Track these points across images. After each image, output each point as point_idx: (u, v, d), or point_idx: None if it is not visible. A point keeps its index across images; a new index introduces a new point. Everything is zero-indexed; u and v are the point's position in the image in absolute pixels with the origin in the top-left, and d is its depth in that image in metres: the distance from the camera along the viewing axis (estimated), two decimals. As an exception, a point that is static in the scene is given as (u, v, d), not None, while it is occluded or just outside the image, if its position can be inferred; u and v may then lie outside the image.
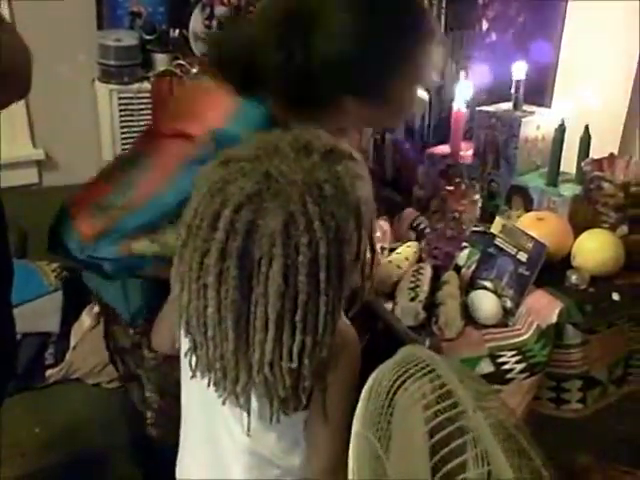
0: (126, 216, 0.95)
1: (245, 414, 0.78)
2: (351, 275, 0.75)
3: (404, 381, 0.72)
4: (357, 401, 0.83)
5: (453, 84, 1.44)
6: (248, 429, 0.78)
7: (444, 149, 1.37)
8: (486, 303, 1.04)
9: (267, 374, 0.72)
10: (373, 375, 0.76)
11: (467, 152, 1.34)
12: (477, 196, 1.23)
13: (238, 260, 0.68)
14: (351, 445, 0.73)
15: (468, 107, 1.31)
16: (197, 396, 0.88)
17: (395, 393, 0.71)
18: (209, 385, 0.77)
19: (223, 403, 0.78)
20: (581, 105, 1.32)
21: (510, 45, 1.48)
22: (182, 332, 0.77)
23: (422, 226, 1.25)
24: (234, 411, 0.82)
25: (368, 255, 0.80)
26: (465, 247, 1.16)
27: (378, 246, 1.18)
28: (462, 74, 1.45)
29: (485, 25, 1.46)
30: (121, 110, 2.10)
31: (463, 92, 1.30)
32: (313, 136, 0.76)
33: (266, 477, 0.87)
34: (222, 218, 0.68)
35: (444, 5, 1.42)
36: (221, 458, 0.89)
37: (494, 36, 1.48)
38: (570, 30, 1.51)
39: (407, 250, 1.18)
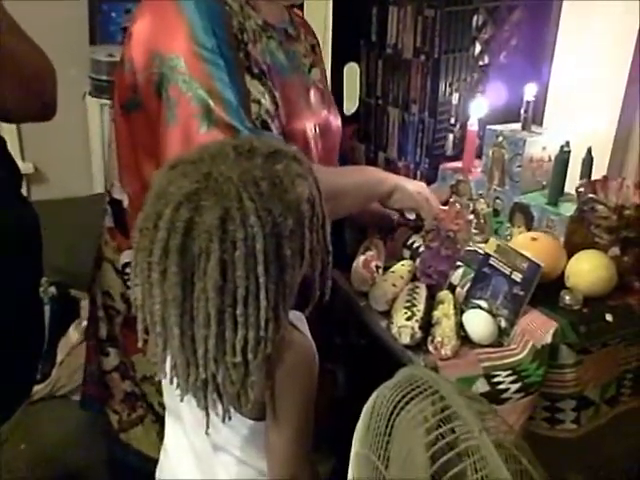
0: None
1: (211, 413, 0.79)
2: (295, 271, 0.76)
3: (407, 402, 0.72)
4: (314, 413, 0.85)
5: (447, 106, 1.47)
6: (207, 426, 0.79)
7: (456, 165, 1.40)
8: (481, 323, 1.04)
9: (213, 370, 0.73)
10: (374, 395, 0.76)
11: (476, 169, 1.37)
12: (471, 216, 1.25)
13: (178, 257, 0.70)
14: (351, 465, 0.73)
15: (471, 126, 1.34)
16: (173, 395, 0.88)
17: (398, 415, 0.71)
18: (170, 383, 0.78)
19: (181, 400, 0.79)
20: (572, 127, 1.34)
21: (503, 68, 1.51)
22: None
23: (416, 245, 1.26)
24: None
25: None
26: (459, 266, 1.16)
27: (373, 264, 1.20)
28: (455, 96, 1.47)
29: (478, 48, 1.48)
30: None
31: (476, 110, 1.33)
32: (259, 141, 0.79)
33: (244, 477, 0.89)
34: (163, 217, 0.71)
35: (437, 28, 1.44)
36: (201, 455, 0.91)
37: (487, 59, 1.50)
38: (561, 53, 1.54)
39: (402, 268, 1.19)
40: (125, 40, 1.09)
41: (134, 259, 0.76)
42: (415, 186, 1.23)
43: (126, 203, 1.16)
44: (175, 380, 0.78)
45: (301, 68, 1.21)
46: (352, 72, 1.67)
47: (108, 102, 2.08)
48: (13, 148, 2.21)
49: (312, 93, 1.22)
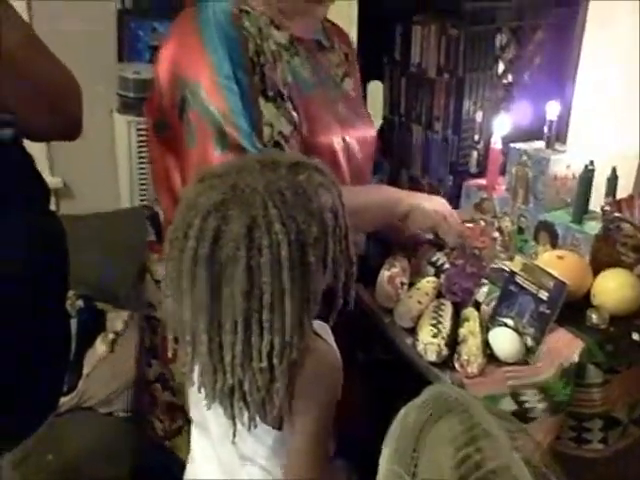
0: None
1: (238, 423, 0.80)
2: (318, 279, 0.78)
3: (435, 420, 0.73)
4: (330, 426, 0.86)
5: (470, 124, 1.48)
6: (234, 436, 0.80)
7: (480, 183, 1.40)
8: (507, 341, 1.04)
9: (240, 376, 0.75)
10: (402, 412, 0.77)
11: (501, 186, 1.37)
12: (496, 233, 1.25)
13: (207, 265, 0.73)
14: None
15: (495, 143, 1.34)
16: (200, 407, 0.89)
17: (427, 432, 0.72)
18: (199, 391, 0.80)
19: (208, 408, 0.80)
20: (596, 145, 1.35)
21: (527, 86, 1.52)
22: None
23: (440, 262, 1.26)
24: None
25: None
26: (485, 284, 1.17)
27: (398, 281, 1.20)
28: (479, 114, 1.49)
29: (502, 67, 1.49)
30: (138, 141, 2.14)
31: (500, 128, 1.33)
32: (282, 154, 0.84)
33: None
34: (192, 227, 0.74)
35: (461, 47, 1.45)
36: (227, 466, 0.92)
37: (510, 78, 1.51)
38: (584, 72, 1.55)
39: (426, 285, 1.19)
40: (154, 63, 1.15)
41: (165, 269, 0.79)
42: (433, 204, 1.23)
43: (162, 217, 1.20)
44: (203, 388, 0.79)
45: (331, 79, 1.23)
46: (375, 90, 1.70)
47: (135, 119, 2.12)
48: (43, 163, 2.26)
49: (342, 104, 1.23)
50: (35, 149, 1.06)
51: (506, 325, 1.07)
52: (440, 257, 1.27)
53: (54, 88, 1.02)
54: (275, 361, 0.75)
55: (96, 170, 2.19)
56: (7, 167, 0.99)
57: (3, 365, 0.98)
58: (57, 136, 1.11)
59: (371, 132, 1.30)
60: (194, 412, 0.97)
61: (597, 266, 1.12)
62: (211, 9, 1.09)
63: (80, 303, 1.88)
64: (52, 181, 2.19)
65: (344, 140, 1.20)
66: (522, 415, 0.95)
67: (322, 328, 0.88)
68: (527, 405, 0.97)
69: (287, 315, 0.74)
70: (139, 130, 2.12)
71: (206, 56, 1.04)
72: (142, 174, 2.15)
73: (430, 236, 1.29)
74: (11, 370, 0.99)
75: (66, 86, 1.05)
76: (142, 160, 2.15)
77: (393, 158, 1.67)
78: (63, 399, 1.77)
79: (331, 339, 0.89)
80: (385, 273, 1.22)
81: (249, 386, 0.76)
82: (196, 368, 0.80)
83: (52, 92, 1.01)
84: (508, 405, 0.96)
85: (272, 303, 0.73)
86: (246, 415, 0.79)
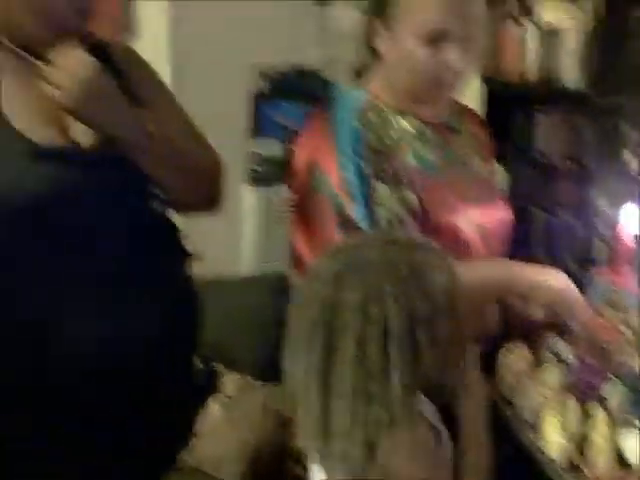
0: None
1: None
2: (427, 357, 0.78)
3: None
4: None
5: (597, 213, 1.46)
6: None
7: (608, 274, 1.36)
8: (638, 445, 0.99)
9: (343, 444, 0.77)
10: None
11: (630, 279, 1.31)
12: (625, 328, 1.21)
13: (323, 331, 0.78)
14: None
15: (624, 234, 1.30)
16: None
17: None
18: (304, 451, 0.85)
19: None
20: None
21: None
22: None
23: (564, 352, 1.23)
24: None
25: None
26: (612, 380, 1.12)
27: (518, 370, 1.19)
28: (605, 203, 1.46)
29: (629, 156, 1.47)
30: (265, 212, 2.31)
31: (628, 219, 1.29)
32: (400, 234, 0.91)
33: None
34: (312, 294, 0.80)
35: (587, 136, 1.46)
36: None
37: (638, 167, 1.48)
38: None
39: (550, 377, 1.16)
40: (288, 146, 1.34)
41: (288, 332, 0.84)
42: (557, 280, 1.19)
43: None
44: (308, 450, 0.83)
45: (459, 161, 1.26)
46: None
47: (262, 190, 2.31)
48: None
49: (472, 186, 1.25)
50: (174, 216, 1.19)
51: (636, 427, 1.02)
52: (563, 347, 1.24)
53: (203, 168, 1.14)
54: (379, 433, 0.76)
55: (223, 236, 2.35)
56: (157, 234, 1.13)
57: (128, 422, 1.06)
58: (200, 209, 1.24)
59: (504, 214, 1.30)
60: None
61: None
62: (342, 110, 1.21)
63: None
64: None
65: (473, 222, 1.21)
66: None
67: (432, 412, 0.88)
68: (663, 518, 0.91)
69: (393, 389, 0.76)
70: (266, 201, 2.30)
71: (335, 154, 1.17)
72: (266, 244, 2.29)
73: (550, 317, 1.25)
74: (134, 427, 1.07)
75: (213, 165, 1.17)
76: (268, 230, 2.30)
77: (514, 243, 1.66)
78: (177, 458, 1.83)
79: (437, 423, 0.89)
80: (504, 360, 1.21)
81: (350, 455, 0.78)
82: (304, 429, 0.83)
83: (201, 171, 1.14)
84: (641, 516, 0.91)
85: (379, 374, 0.76)
86: None
